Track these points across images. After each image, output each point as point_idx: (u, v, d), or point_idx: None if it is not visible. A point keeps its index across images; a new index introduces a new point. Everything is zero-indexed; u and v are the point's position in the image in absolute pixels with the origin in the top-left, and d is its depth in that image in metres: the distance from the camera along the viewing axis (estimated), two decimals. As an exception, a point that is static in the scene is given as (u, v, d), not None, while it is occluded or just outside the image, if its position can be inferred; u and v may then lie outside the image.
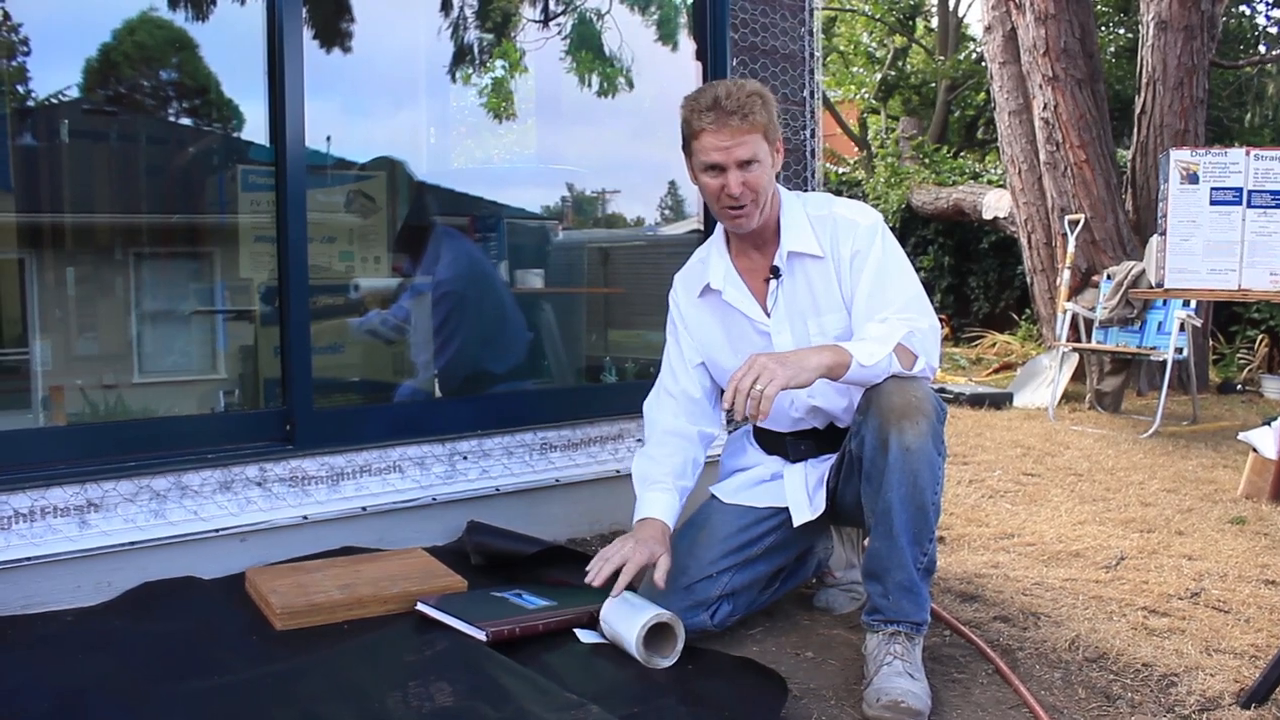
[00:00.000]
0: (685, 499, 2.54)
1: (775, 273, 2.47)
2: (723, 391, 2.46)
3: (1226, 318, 9.36)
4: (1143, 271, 6.77)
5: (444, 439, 3.08)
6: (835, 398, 2.47)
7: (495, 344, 4.07)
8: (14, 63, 3.99)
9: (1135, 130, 8.27)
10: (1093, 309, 7.16)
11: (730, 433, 2.86)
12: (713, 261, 2.58)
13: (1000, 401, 7.12)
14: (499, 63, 5.09)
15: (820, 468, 2.52)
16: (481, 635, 2.24)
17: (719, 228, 2.61)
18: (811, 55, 3.84)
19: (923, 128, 16.80)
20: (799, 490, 2.50)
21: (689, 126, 2.41)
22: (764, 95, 2.39)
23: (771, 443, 2.64)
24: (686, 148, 2.46)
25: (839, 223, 2.46)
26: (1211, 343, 8.58)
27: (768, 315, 2.49)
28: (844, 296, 2.44)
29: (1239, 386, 8.21)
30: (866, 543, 2.32)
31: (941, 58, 17.17)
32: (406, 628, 2.36)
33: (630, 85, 4.83)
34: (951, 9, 17.88)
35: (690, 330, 2.62)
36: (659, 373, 2.70)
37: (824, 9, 16.86)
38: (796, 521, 2.46)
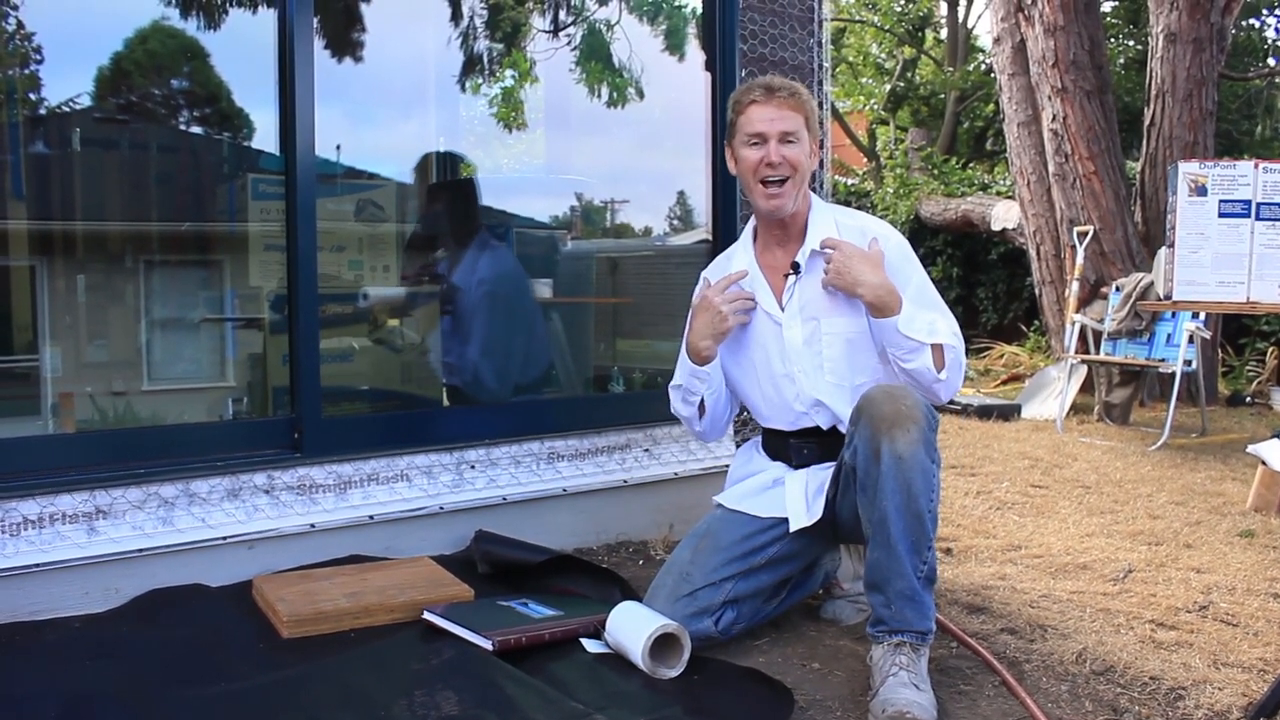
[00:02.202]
0: (719, 375, 2.64)
1: (795, 269, 2.54)
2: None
3: (1236, 329, 9.33)
4: (1151, 283, 6.76)
5: (451, 448, 3.09)
6: (840, 398, 2.49)
7: (526, 351, 4.05)
8: (27, 71, 4.01)
9: (1144, 142, 8.27)
10: (1101, 321, 7.15)
11: (738, 445, 2.87)
12: (737, 256, 2.67)
13: (1008, 413, 7.10)
14: (509, 72, 5.11)
15: (821, 475, 2.53)
16: (488, 644, 2.24)
17: (748, 227, 2.70)
18: (820, 66, 3.84)
19: (931, 139, 16.79)
20: (798, 497, 2.51)
21: (737, 105, 2.55)
22: (810, 95, 2.58)
23: (776, 448, 2.65)
24: (730, 129, 2.58)
25: (867, 234, 2.54)
26: (1220, 355, 8.55)
27: (782, 308, 2.55)
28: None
29: (1248, 399, 8.18)
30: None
31: (950, 69, 17.17)
32: (413, 636, 2.37)
33: (639, 96, 4.84)
34: (961, 20, 17.89)
35: None
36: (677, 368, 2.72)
37: (833, 20, 16.88)
38: (793, 527, 2.48)
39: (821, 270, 2.50)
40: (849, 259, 2.40)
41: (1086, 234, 7.71)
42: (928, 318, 2.41)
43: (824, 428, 2.56)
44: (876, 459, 2.19)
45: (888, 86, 18.66)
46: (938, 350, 2.38)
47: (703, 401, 2.63)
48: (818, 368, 2.52)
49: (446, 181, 4.74)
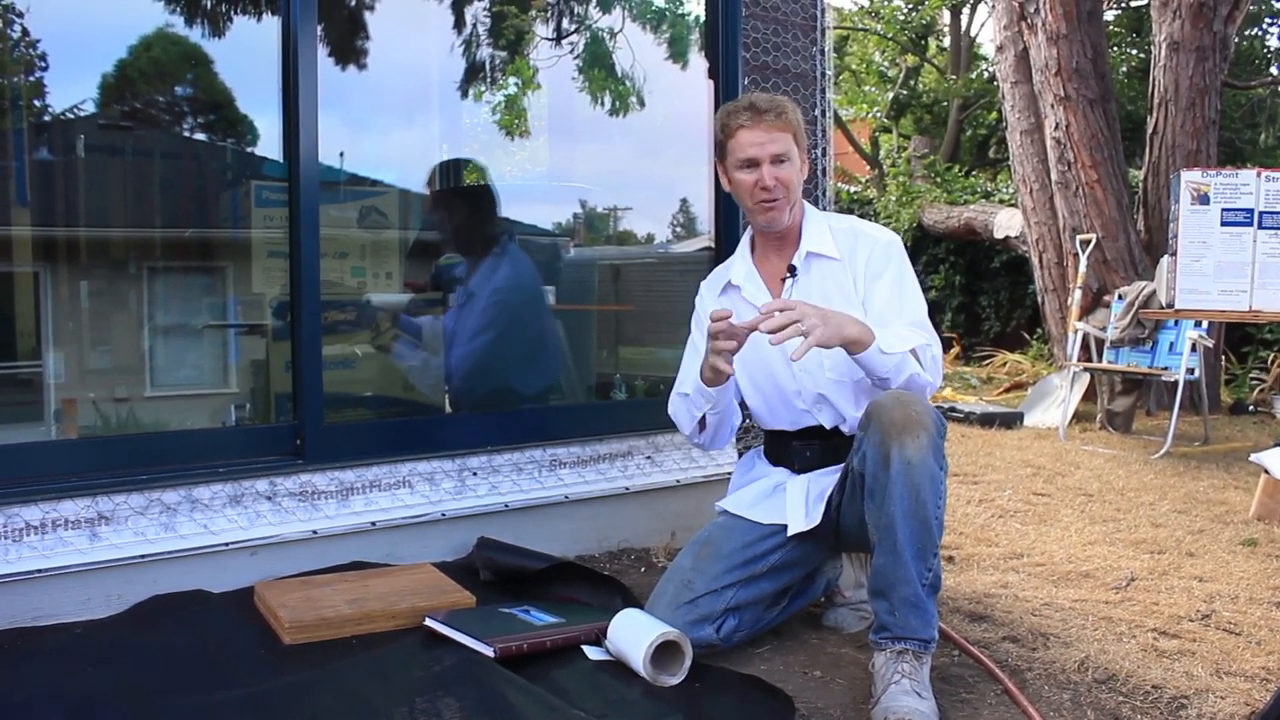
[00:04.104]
0: (729, 393, 2.58)
1: (792, 271, 2.58)
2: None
3: (1239, 338, 9.33)
4: (1154, 292, 6.76)
5: (454, 455, 3.09)
6: (841, 393, 2.50)
7: (536, 360, 4.05)
8: (31, 78, 4.02)
9: (1147, 150, 8.27)
10: (1104, 329, 7.15)
11: (740, 453, 2.87)
12: (735, 264, 2.71)
13: (1011, 421, 7.10)
14: (512, 80, 5.11)
15: (823, 481, 2.54)
16: (489, 651, 2.24)
17: (745, 237, 2.74)
18: (823, 74, 3.85)
19: (934, 146, 16.82)
20: (798, 502, 2.52)
21: (725, 129, 2.57)
22: (795, 107, 2.59)
23: (778, 452, 2.66)
24: (721, 150, 2.61)
25: (859, 235, 2.59)
26: (1223, 363, 8.55)
27: None
28: (858, 299, 2.53)
29: (1251, 407, 8.17)
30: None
31: (953, 77, 17.20)
32: (415, 643, 2.37)
33: (642, 103, 4.84)
34: (964, 28, 17.92)
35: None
36: (677, 376, 2.73)
37: (836, 28, 16.92)
38: (791, 531, 2.48)
39: (818, 273, 2.55)
40: (805, 316, 2.19)
41: (1089, 242, 7.71)
42: (894, 333, 2.38)
43: (826, 426, 2.57)
44: (886, 465, 2.18)
45: (891, 94, 18.69)
46: (913, 354, 2.37)
47: (704, 417, 2.63)
48: (818, 365, 2.53)
49: (465, 188, 4.74)
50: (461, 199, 4.58)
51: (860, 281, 2.55)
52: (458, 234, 4.32)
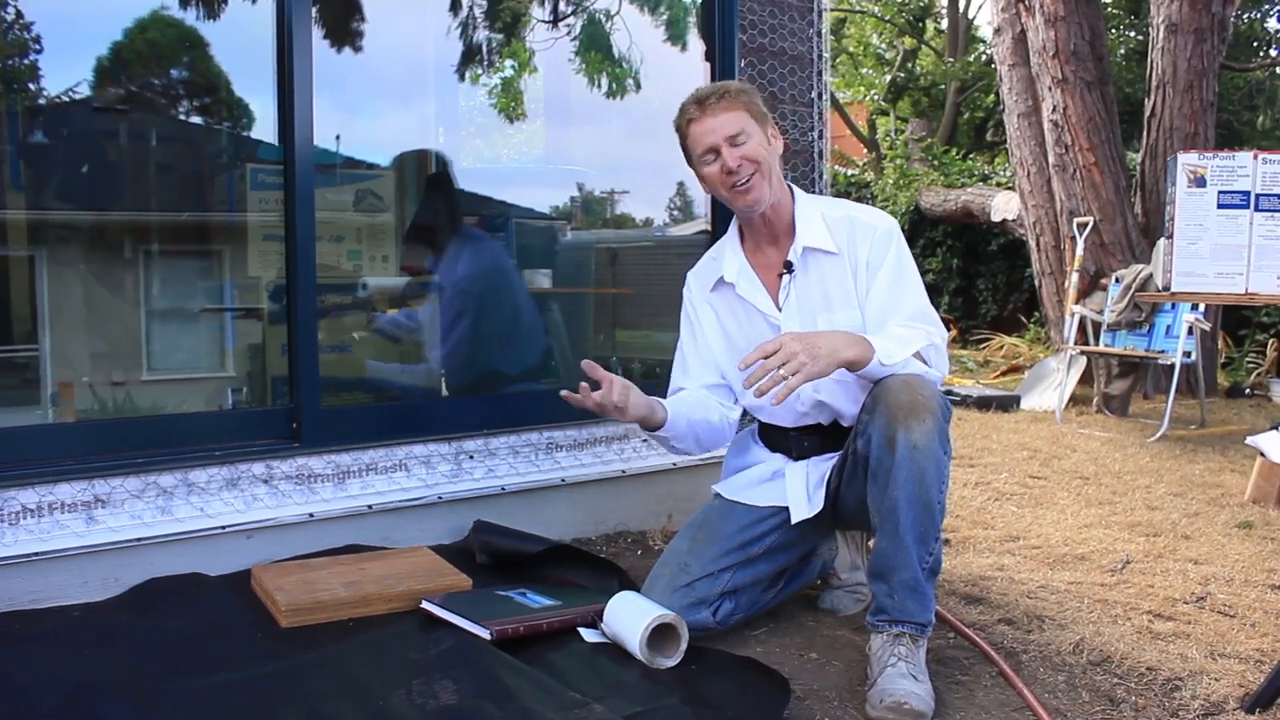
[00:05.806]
0: (681, 422, 2.52)
1: (789, 267, 2.51)
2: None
3: (1235, 321, 9.34)
4: (1151, 275, 6.76)
5: (450, 438, 3.09)
6: (842, 395, 2.48)
7: (510, 345, 4.06)
8: (26, 60, 4.00)
9: (1145, 133, 8.26)
10: (1101, 312, 7.16)
11: (737, 432, 2.87)
12: (726, 257, 2.61)
13: (1007, 404, 7.11)
14: (508, 62, 5.10)
15: (822, 467, 2.52)
16: (486, 634, 2.24)
17: (732, 226, 2.66)
18: (820, 56, 3.84)
19: (932, 129, 16.79)
20: (799, 488, 2.51)
21: (681, 130, 2.51)
22: (744, 86, 2.52)
23: (776, 440, 2.65)
24: (686, 153, 2.54)
25: (856, 224, 2.51)
26: (1220, 346, 8.56)
27: (779, 309, 2.52)
28: (858, 295, 2.47)
29: (1247, 390, 8.19)
30: (872, 544, 2.33)
31: (951, 59, 17.16)
32: (411, 626, 2.37)
33: (639, 86, 4.84)
34: (961, 11, 17.86)
35: (704, 325, 2.65)
36: (671, 375, 2.71)
37: (833, 10, 16.87)
38: (794, 519, 2.48)
39: (816, 268, 2.48)
40: (792, 356, 2.14)
41: (1086, 225, 7.71)
42: (897, 332, 2.35)
43: (825, 424, 2.56)
44: (891, 448, 2.17)
45: (888, 77, 18.65)
46: (917, 355, 2.32)
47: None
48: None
49: (425, 179, 4.73)
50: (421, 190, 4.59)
51: (861, 277, 2.47)
52: (419, 227, 4.35)
